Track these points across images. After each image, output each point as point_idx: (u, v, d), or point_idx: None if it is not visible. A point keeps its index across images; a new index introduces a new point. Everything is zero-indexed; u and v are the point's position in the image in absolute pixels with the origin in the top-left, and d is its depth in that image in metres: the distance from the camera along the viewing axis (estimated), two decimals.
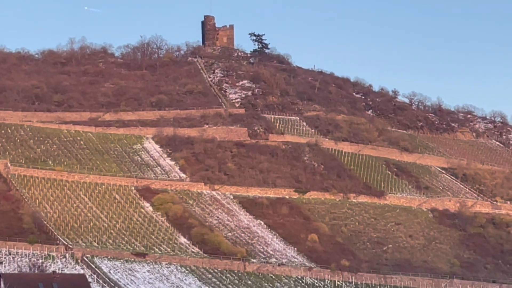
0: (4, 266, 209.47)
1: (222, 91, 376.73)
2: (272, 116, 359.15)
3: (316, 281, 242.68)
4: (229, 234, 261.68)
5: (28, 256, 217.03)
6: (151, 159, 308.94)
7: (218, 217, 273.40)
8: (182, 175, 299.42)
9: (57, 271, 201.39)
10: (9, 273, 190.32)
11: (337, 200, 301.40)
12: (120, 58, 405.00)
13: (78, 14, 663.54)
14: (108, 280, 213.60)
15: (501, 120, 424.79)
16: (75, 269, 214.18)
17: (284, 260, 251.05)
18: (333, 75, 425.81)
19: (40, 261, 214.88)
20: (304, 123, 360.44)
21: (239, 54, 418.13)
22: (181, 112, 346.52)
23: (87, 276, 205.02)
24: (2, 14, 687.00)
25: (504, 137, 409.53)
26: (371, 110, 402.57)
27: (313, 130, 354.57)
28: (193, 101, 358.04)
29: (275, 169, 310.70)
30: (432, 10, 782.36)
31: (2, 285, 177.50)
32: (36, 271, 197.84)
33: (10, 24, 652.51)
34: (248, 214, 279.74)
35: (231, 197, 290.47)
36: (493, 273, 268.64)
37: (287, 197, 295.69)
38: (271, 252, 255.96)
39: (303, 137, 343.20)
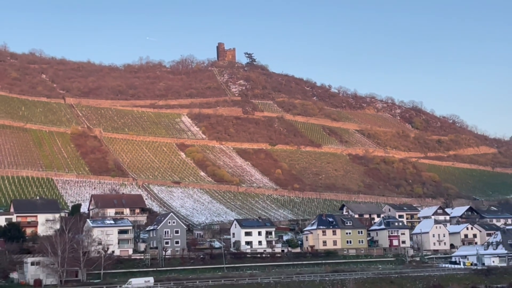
0: (96, 190, 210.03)
1: (228, 87, 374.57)
2: (257, 101, 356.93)
3: (279, 196, 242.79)
4: (230, 170, 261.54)
5: (110, 185, 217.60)
6: (186, 127, 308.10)
7: (223, 160, 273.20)
8: (203, 136, 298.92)
9: (125, 193, 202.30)
10: (97, 194, 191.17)
11: (293, 149, 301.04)
12: (169, 68, 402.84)
13: (144, 42, 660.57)
14: (157, 198, 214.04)
15: (391, 102, 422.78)
16: (138, 192, 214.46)
17: (261, 185, 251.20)
18: (293, 76, 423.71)
19: (118, 187, 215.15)
20: (275, 105, 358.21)
21: (238, 65, 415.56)
22: (203, 99, 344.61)
23: (145, 195, 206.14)
24: (100, 41, 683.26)
25: (392, 111, 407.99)
26: (315, 97, 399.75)
27: (280, 109, 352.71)
28: (211, 93, 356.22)
29: (258, 132, 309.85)
30: (356, 23, 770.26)
31: (93, 201, 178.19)
32: (114, 193, 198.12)
33: (105, 47, 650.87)
34: (241, 158, 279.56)
35: (232, 148, 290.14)
36: (383, 191, 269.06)
37: (264, 148, 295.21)
38: (253, 180, 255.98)
39: (274, 113, 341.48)
